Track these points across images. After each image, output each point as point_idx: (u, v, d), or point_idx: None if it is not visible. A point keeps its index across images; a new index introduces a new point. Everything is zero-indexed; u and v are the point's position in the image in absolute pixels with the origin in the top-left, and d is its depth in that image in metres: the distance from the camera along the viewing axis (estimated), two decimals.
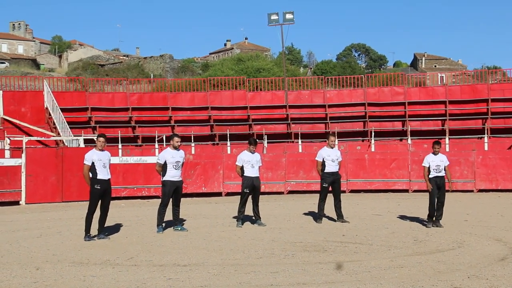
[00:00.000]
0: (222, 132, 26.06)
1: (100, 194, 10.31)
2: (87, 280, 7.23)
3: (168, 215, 11.46)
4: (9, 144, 21.05)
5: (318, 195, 12.90)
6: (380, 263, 8.01)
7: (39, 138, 22.88)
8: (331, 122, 27.02)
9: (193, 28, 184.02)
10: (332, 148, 12.64)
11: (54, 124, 24.39)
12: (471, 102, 26.98)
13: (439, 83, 51.17)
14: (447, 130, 25.57)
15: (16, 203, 19.18)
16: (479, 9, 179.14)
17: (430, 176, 11.85)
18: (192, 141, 24.65)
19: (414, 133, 25.79)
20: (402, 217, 13.44)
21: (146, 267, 7.97)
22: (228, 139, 24.70)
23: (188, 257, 8.66)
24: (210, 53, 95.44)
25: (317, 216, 12.73)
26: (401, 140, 25.78)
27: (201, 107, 27.66)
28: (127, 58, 76.97)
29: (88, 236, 10.37)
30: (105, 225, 10.76)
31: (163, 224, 11.47)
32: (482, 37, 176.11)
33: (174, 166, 11.24)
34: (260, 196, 12.76)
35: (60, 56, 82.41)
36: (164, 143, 22.86)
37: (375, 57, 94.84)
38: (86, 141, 22.32)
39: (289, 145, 25.11)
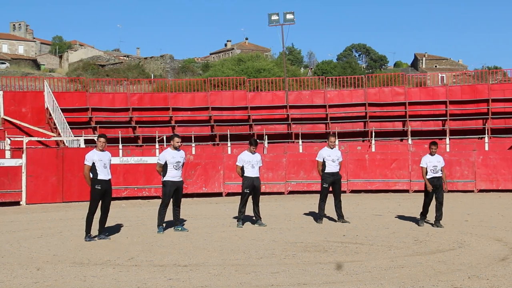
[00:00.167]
0: (223, 132, 26.07)
1: (101, 194, 10.32)
2: (88, 281, 7.23)
3: (169, 216, 11.47)
4: (9, 144, 21.07)
5: (318, 195, 12.90)
6: (380, 263, 8.01)
7: (39, 139, 22.89)
8: (331, 123, 27.02)
9: (193, 29, 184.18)
10: (332, 148, 12.65)
11: (55, 124, 24.41)
12: (471, 102, 26.99)
13: (440, 83, 51.15)
14: (447, 130, 25.56)
15: (17, 203, 19.18)
16: (480, 9, 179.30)
17: (428, 176, 11.88)
18: (193, 141, 24.65)
19: (415, 133, 25.80)
20: (403, 218, 13.43)
21: (146, 267, 7.97)
22: (229, 140, 24.70)
23: (188, 257, 8.66)
24: (211, 54, 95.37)
25: (318, 216, 12.73)
26: (401, 140, 25.79)
27: (201, 107, 27.67)
28: (127, 59, 76.95)
29: (88, 236, 10.37)
30: (106, 226, 10.76)
31: (164, 225, 11.48)
32: (482, 38, 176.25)
33: (175, 167, 11.24)
34: (261, 196, 12.77)
35: (60, 57, 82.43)
36: (165, 143, 22.87)
37: (375, 57, 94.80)
38: (87, 141, 22.34)
39: (289, 145, 25.10)
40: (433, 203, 11.86)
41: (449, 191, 20.69)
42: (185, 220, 12.82)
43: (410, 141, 24.65)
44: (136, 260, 8.51)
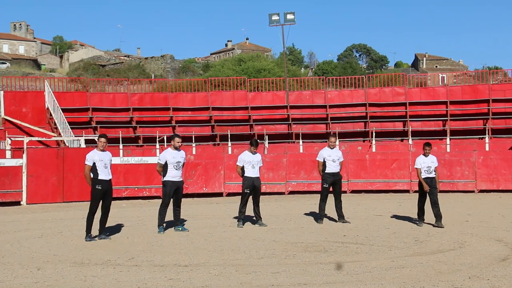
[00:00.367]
0: (223, 132, 26.08)
1: (101, 194, 10.32)
2: (88, 281, 7.24)
3: (169, 216, 11.47)
4: (10, 144, 21.08)
5: (319, 195, 12.90)
6: (381, 264, 8.01)
7: (40, 139, 22.90)
8: (332, 123, 27.03)
9: (194, 29, 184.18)
10: (332, 149, 12.65)
11: (55, 124, 24.42)
12: (472, 103, 27.00)
13: (440, 83, 51.13)
14: (448, 131, 25.56)
15: (17, 203, 19.19)
16: (480, 9, 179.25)
17: (422, 177, 12.00)
18: (193, 141, 24.66)
19: (415, 134, 25.80)
20: (403, 218, 13.43)
21: (147, 268, 7.97)
22: (229, 140, 24.71)
23: (189, 258, 8.66)
24: (211, 54, 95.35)
25: (318, 216, 12.73)
26: (402, 140, 25.80)
27: (202, 107, 27.69)
28: (128, 59, 76.94)
29: (89, 236, 10.38)
30: (106, 226, 10.77)
31: (164, 225, 11.48)
32: (483, 38, 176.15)
33: (175, 167, 11.24)
34: (261, 196, 12.78)
35: (61, 57, 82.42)
36: (165, 143, 22.88)
37: (376, 57, 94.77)
38: (87, 141, 22.35)
39: (290, 145, 25.11)
40: (428, 203, 11.93)
41: (449, 191, 20.72)
42: (185, 220, 12.82)
43: (410, 142, 24.65)
44: (136, 260, 8.52)
